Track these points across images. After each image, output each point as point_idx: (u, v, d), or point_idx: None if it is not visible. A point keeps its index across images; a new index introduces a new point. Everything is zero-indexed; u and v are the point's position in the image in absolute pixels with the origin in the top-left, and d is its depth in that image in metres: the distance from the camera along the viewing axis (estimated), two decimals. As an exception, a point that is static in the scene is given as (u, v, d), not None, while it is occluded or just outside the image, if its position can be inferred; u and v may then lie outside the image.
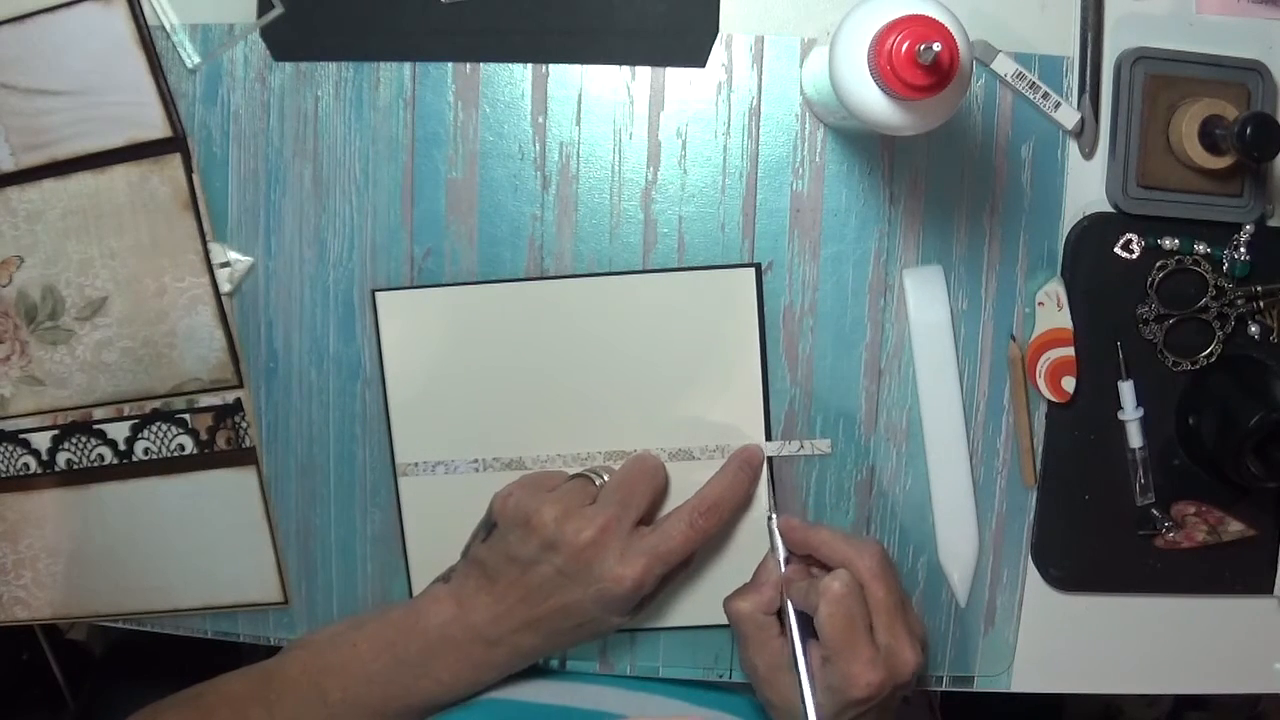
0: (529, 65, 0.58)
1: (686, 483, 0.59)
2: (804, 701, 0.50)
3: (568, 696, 0.59)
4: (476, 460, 0.61)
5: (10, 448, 0.64)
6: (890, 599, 0.52)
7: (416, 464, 0.61)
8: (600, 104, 0.59)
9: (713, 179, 0.59)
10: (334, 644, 0.57)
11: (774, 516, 0.58)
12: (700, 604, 0.61)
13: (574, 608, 0.54)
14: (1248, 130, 0.52)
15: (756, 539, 0.60)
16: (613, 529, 0.53)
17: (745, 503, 0.59)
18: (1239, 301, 0.59)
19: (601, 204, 0.59)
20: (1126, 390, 0.59)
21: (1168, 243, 0.58)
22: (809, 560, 0.56)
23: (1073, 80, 0.58)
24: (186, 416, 0.62)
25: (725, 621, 0.61)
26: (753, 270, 0.59)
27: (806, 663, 0.52)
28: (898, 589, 0.53)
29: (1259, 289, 0.59)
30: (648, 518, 0.56)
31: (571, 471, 0.59)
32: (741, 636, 0.55)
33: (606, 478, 0.58)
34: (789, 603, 0.54)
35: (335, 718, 0.56)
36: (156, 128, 0.59)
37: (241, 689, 0.57)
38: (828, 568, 0.54)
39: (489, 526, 0.56)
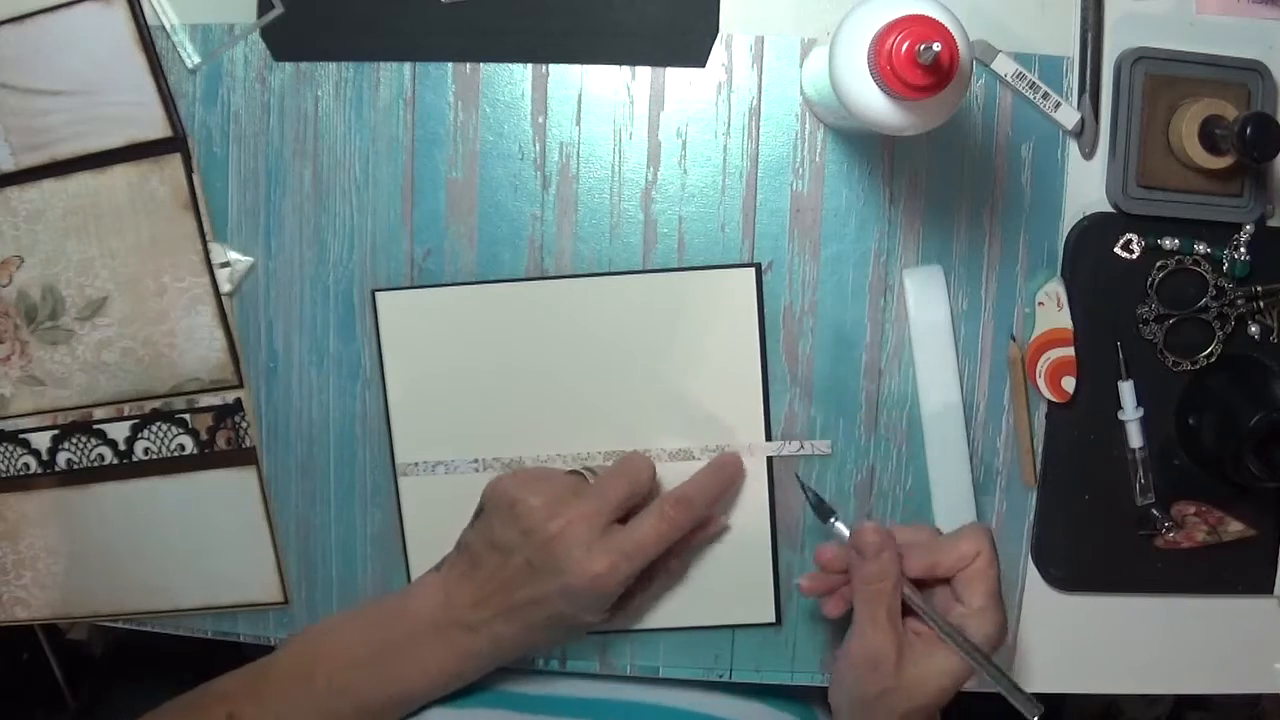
0: (529, 65, 0.58)
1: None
2: (966, 649, 0.51)
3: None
4: (476, 460, 0.61)
5: (10, 448, 0.64)
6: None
7: (416, 464, 0.61)
8: (600, 104, 0.59)
9: (713, 179, 0.59)
10: (326, 633, 0.58)
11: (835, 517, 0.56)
12: (701, 604, 0.61)
13: (544, 601, 0.54)
14: (1248, 130, 0.52)
15: (756, 540, 0.60)
16: (581, 522, 0.53)
17: (719, 502, 0.59)
18: (1239, 301, 0.59)
19: (601, 204, 0.59)
20: (1126, 390, 0.59)
21: (1168, 243, 0.58)
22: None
23: (1073, 80, 0.58)
24: (186, 416, 0.62)
25: (726, 622, 0.62)
26: (753, 270, 0.59)
27: (938, 616, 0.52)
28: None
29: (1259, 289, 0.59)
30: (630, 517, 0.56)
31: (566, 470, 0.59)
32: (871, 607, 0.52)
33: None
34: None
35: (322, 706, 0.56)
36: (156, 128, 0.59)
37: (235, 686, 0.57)
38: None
39: (478, 511, 0.56)
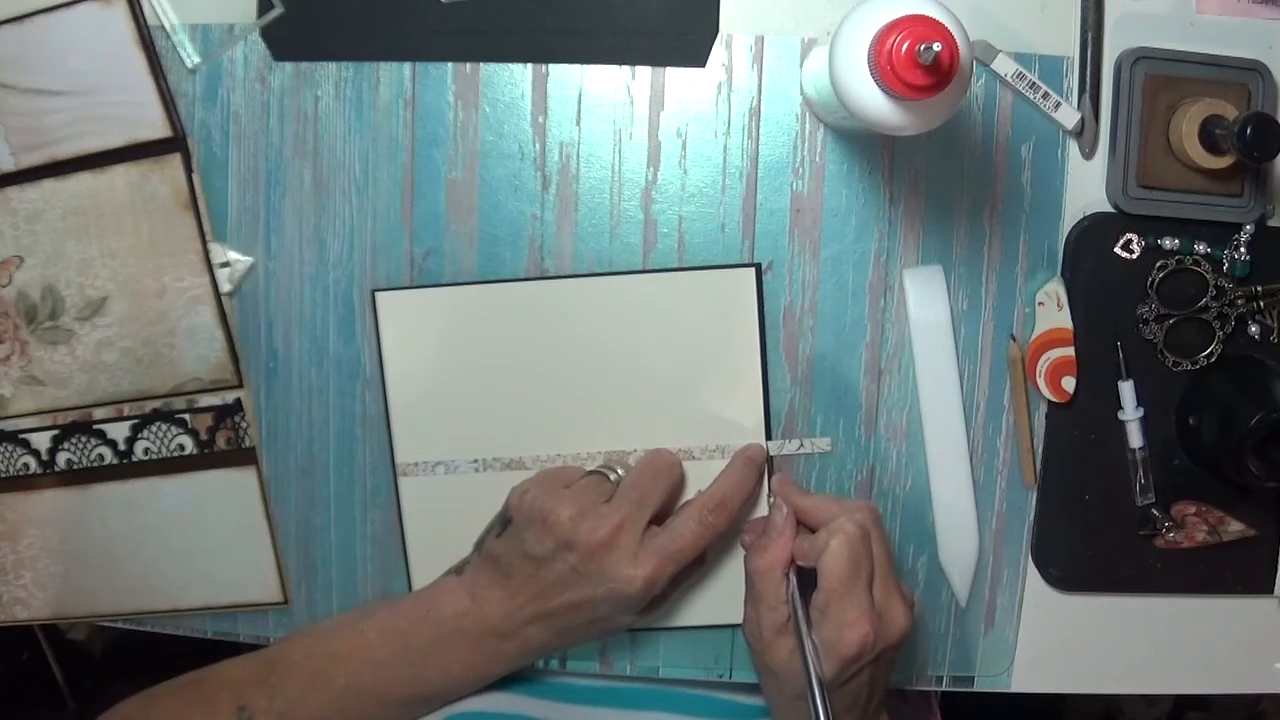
0: (529, 65, 0.58)
1: (688, 483, 0.59)
2: (804, 656, 0.49)
3: (565, 715, 0.59)
4: (476, 460, 0.61)
5: (10, 448, 0.64)
6: (885, 556, 0.52)
7: (416, 464, 0.61)
8: (600, 104, 0.59)
9: (713, 179, 0.59)
10: (340, 630, 0.58)
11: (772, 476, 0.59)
12: (701, 604, 0.61)
13: (585, 605, 0.54)
14: (1248, 130, 0.52)
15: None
16: (627, 529, 0.53)
17: (752, 499, 0.59)
18: (1239, 301, 0.59)
19: (601, 204, 0.59)
20: (1126, 390, 0.59)
21: (1168, 243, 0.58)
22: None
23: (1073, 80, 0.58)
24: (186, 416, 0.62)
25: (726, 621, 0.62)
26: (753, 270, 0.59)
27: (806, 618, 0.51)
28: (890, 550, 0.53)
29: (1259, 289, 0.59)
30: (662, 514, 0.56)
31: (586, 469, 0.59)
32: (755, 594, 0.54)
33: (621, 472, 0.58)
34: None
35: (339, 703, 0.56)
36: (156, 128, 0.59)
37: (241, 674, 0.57)
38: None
39: (504, 521, 0.56)
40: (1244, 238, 0.58)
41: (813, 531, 0.54)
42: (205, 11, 0.58)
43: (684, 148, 0.59)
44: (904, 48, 0.41)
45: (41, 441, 0.63)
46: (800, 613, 0.51)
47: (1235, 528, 0.61)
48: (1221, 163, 0.55)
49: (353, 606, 0.63)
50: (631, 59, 0.58)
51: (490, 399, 0.60)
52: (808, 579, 0.52)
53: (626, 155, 0.59)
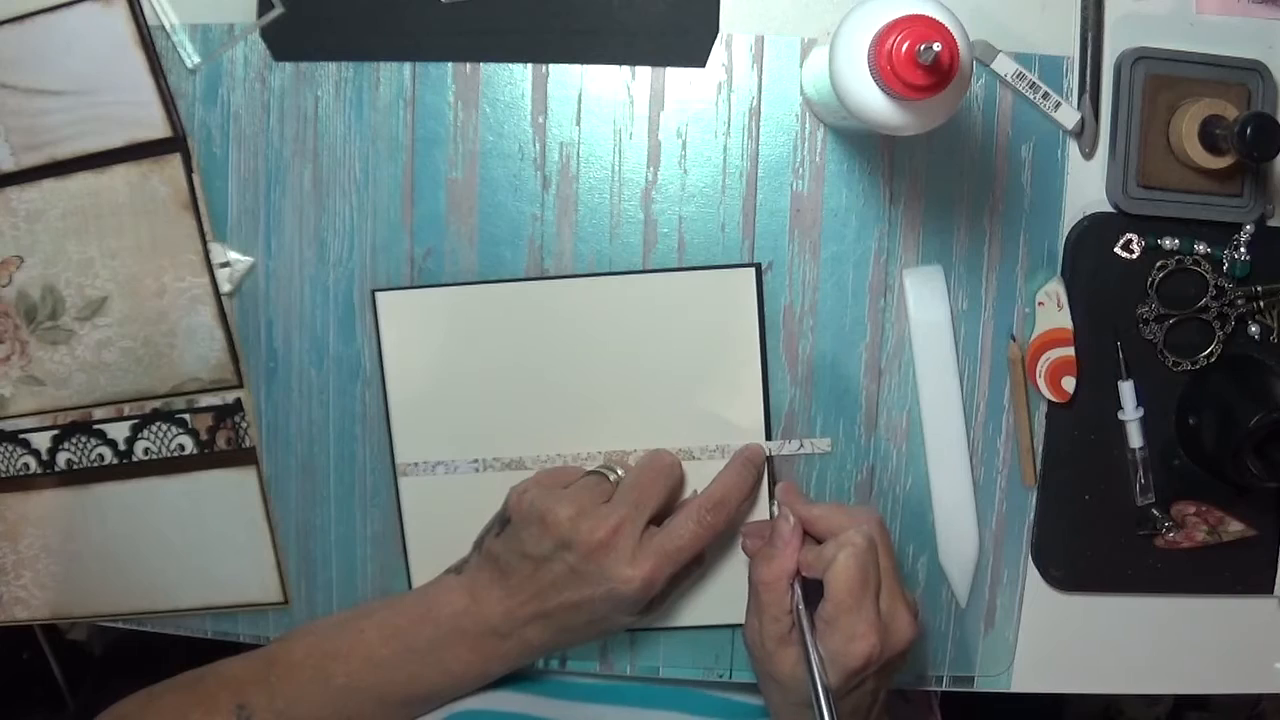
0: (529, 65, 0.58)
1: (688, 483, 0.59)
2: (809, 668, 0.49)
3: (567, 714, 0.59)
4: (476, 460, 0.61)
5: (10, 448, 0.64)
6: (891, 565, 0.52)
7: (416, 464, 0.61)
8: (600, 104, 0.59)
9: (713, 179, 0.59)
10: (340, 629, 0.58)
11: (778, 483, 0.58)
12: (700, 604, 0.61)
13: (584, 605, 0.54)
14: (1248, 130, 0.52)
15: (756, 539, 0.60)
16: (625, 529, 0.53)
17: (750, 499, 0.59)
18: (1239, 301, 0.59)
19: (601, 204, 0.59)
20: (1126, 390, 0.59)
21: (1168, 243, 0.58)
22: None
23: (1073, 80, 0.58)
24: (186, 416, 0.62)
25: (725, 621, 0.62)
26: (753, 270, 0.59)
27: (812, 628, 0.51)
28: (894, 559, 0.53)
29: (1259, 289, 0.59)
30: (661, 515, 0.56)
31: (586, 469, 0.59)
32: (759, 604, 0.53)
33: (621, 472, 0.58)
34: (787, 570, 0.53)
35: (338, 702, 0.56)
36: (156, 128, 0.59)
37: (241, 672, 0.57)
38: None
39: (503, 521, 0.56)
40: (1244, 238, 0.58)
41: (817, 541, 0.54)
42: (205, 11, 0.58)
43: (684, 148, 0.59)
44: (904, 48, 0.41)
45: (41, 441, 0.63)
46: (806, 624, 0.51)
47: (1235, 528, 0.61)
48: (1221, 163, 0.55)
49: (352, 606, 0.63)
50: (631, 59, 0.58)
51: (490, 399, 0.60)
52: (812, 589, 0.52)
53: (626, 155, 0.59)
